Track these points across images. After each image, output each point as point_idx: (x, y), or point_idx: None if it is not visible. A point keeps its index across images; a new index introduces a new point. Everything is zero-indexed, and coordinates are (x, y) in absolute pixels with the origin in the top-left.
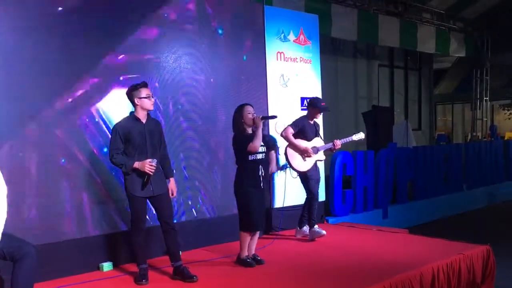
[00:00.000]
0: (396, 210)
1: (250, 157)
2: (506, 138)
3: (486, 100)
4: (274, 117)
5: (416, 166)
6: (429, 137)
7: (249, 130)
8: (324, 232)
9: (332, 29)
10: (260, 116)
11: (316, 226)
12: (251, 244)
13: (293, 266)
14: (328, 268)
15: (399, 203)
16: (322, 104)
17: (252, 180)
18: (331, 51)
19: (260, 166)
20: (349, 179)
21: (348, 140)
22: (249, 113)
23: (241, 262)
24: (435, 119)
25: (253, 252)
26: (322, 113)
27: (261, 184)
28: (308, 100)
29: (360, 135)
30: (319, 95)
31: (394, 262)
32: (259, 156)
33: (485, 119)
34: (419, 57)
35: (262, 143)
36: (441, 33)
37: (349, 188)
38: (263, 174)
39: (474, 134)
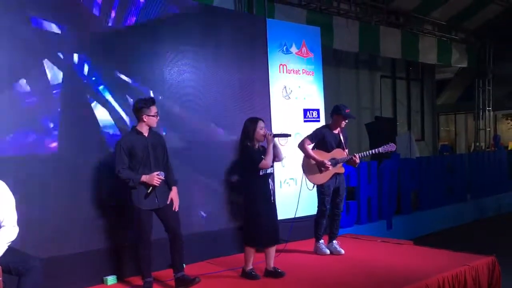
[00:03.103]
0: (400, 221)
1: (261, 172)
2: (509, 148)
3: (489, 110)
4: (287, 135)
5: (420, 177)
6: (432, 148)
7: (257, 145)
8: (328, 251)
9: (334, 41)
10: (272, 134)
11: (321, 241)
12: (269, 257)
13: (297, 278)
14: (333, 280)
15: (403, 214)
16: (347, 110)
17: (262, 194)
18: (333, 63)
19: (270, 180)
20: (353, 190)
21: (374, 152)
22: (261, 128)
23: (246, 275)
24: (438, 130)
25: (272, 265)
26: (347, 121)
27: (271, 198)
28: (333, 107)
29: (391, 147)
30: (322, 107)
31: (399, 273)
32: (269, 170)
33: (488, 129)
34: (421, 68)
35: None
36: (442, 44)
37: (353, 199)
38: (273, 188)
39: (478, 144)
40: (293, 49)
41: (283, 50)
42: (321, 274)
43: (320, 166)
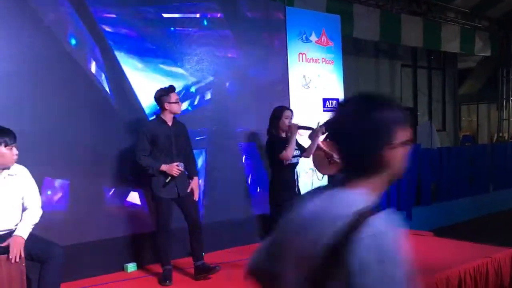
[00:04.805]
0: (420, 212)
1: (285, 162)
2: None
3: None
4: (310, 128)
5: (441, 168)
6: (453, 138)
7: (283, 134)
8: None
9: (354, 29)
10: (297, 125)
11: None
12: None
13: None
14: None
15: (423, 204)
16: None
17: (285, 184)
18: (353, 52)
19: (295, 170)
20: None
21: None
22: (287, 118)
23: None
24: (459, 120)
25: None
26: None
27: (296, 188)
28: None
29: None
30: (341, 96)
31: (419, 265)
32: (294, 160)
33: (511, 119)
34: (443, 56)
35: (296, 147)
36: (465, 32)
37: None
38: (298, 177)
39: (500, 134)
40: (313, 38)
41: (302, 39)
42: None
43: (329, 158)
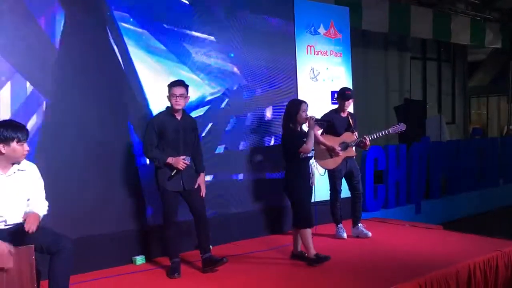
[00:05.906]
0: (429, 205)
1: (301, 155)
2: None
3: None
4: (327, 121)
5: (450, 161)
6: (463, 131)
7: (298, 128)
8: (345, 236)
9: (362, 21)
10: (314, 118)
11: (340, 225)
12: (298, 241)
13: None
14: (360, 264)
15: (433, 198)
16: (347, 92)
17: (303, 177)
18: (361, 44)
19: (310, 164)
20: (381, 174)
21: (384, 134)
22: (304, 111)
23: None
24: (469, 113)
25: (299, 248)
26: (349, 101)
27: (310, 182)
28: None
29: (401, 127)
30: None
31: (429, 258)
32: (309, 154)
33: None
34: (453, 48)
35: None
36: (476, 23)
37: (381, 183)
38: (312, 171)
39: (510, 127)
40: (321, 30)
41: (310, 31)
42: (346, 258)
43: (330, 152)
